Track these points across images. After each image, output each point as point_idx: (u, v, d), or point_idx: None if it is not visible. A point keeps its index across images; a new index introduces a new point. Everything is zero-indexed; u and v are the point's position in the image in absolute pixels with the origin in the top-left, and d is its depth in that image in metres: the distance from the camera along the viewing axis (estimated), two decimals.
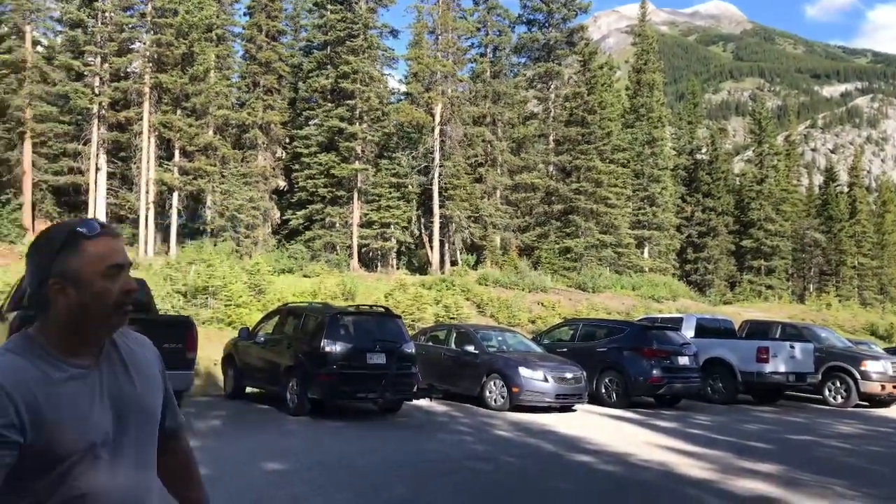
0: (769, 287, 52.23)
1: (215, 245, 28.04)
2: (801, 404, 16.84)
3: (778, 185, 54.56)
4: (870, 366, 16.40)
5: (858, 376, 16.35)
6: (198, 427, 9.34)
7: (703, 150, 57.12)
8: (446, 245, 35.74)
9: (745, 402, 16.11)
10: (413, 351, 11.10)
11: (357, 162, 33.34)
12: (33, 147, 29.24)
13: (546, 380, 12.28)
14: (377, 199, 33.63)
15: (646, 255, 42.36)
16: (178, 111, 31.38)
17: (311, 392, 10.36)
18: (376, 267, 34.91)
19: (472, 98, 37.57)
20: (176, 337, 8.50)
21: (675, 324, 16.73)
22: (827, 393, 16.78)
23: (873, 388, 16.27)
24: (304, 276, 28.35)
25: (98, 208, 30.29)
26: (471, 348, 13.22)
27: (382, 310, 11.88)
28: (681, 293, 37.29)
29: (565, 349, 14.72)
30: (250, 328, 12.69)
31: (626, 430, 10.85)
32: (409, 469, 7.34)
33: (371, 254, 35.21)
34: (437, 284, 26.38)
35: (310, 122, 35.24)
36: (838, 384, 16.72)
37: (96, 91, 29.39)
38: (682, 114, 58.32)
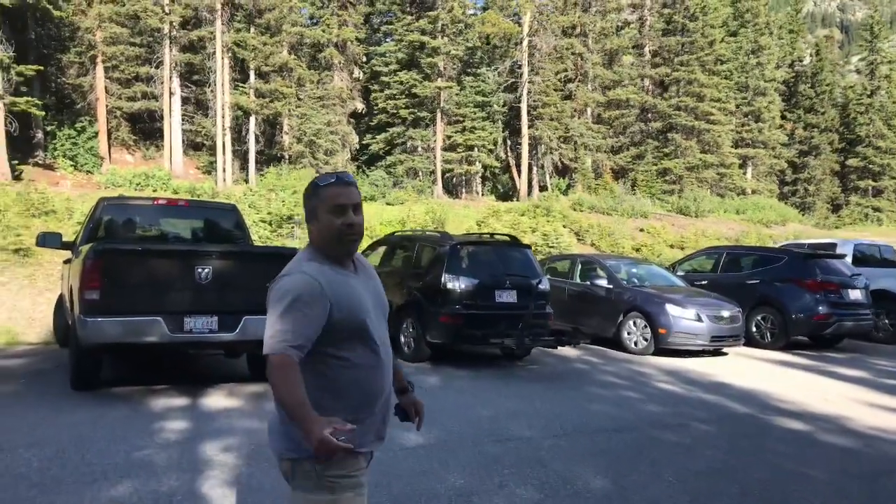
0: (876, 210, 48.20)
1: (293, 172, 26.65)
2: None
3: (890, 98, 49.66)
4: None
5: None
6: None
7: (806, 60, 52.32)
8: (534, 169, 33.53)
9: None
10: (548, 288, 9.31)
11: (440, 79, 31.18)
12: (105, 72, 28.06)
13: (699, 319, 10.35)
14: (461, 119, 31.52)
15: (748, 175, 39.13)
16: (252, 29, 29.63)
17: (430, 336, 8.75)
18: (460, 193, 33.12)
19: (562, 6, 34.46)
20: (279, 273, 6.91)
21: (828, 250, 14.41)
22: None
23: None
24: (388, 203, 26.83)
25: (174, 135, 29.23)
26: (602, 282, 11.33)
27: (508, 239, 10.09)
28: (790, 217, 34.31)
29: (705, 282, 12.70)
30: None
31: (810, 381, 8.91)
32: (583, 441, 5.65)
33: (455, 179, 33.38)
34: (531, 211, 24.40)
35: (388, 38, 33.12)
36: None
37: (166, 9, 27.82)
38: (781, 22, 53.26)
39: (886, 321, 13.25)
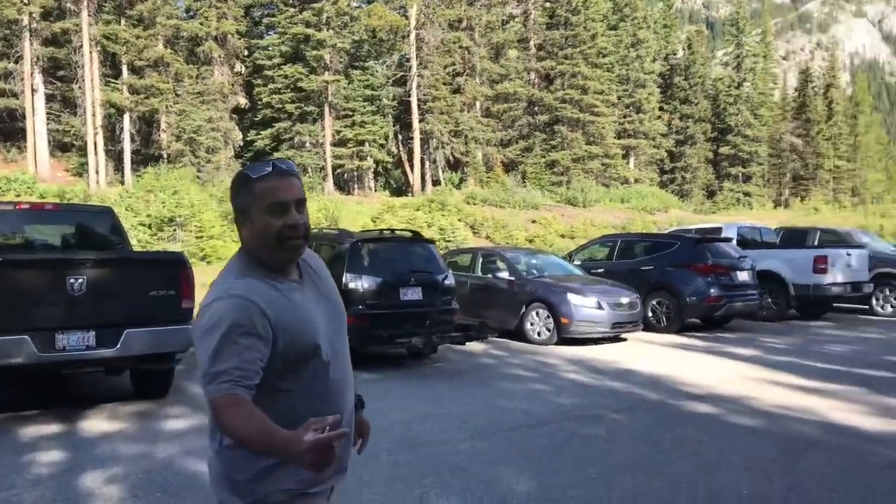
0: (746, 194, 51.24)
1: (173, 171, 25.24)
2: (848, 316, 15.42)
3: (756, 89, 52.88)
4: None
5: None
6: (196, 392, 7.27)
7: (679, 54, 54.86)
8: (427, 163, 33.37)
9: (791, 318, 14.64)
10: (453, 283, 9.07)
11: (326, 73, 30.44)
12: None
13: (600, 307, 10.40)
14: (350, 114, 30.93)
15: (631, 165, 40.55)
16: (123, 21, 27.84)
17: None
18: (352, 189, 32.51)
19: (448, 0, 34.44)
20: (165, 281, 6.28)
21: (715, 235, 14.96)
22: (875, 302, 15.35)
23: None
24: None
25: (38, 136, 27.08)
26: (504, 274, 11.22)
27: (411, 234, 9.76)
28: (671, 204, 35.80)
29: (602, 269, 12.84)
30: None
31: (709, 363, 9.11)
32: (500, 440, 5.43)
33: (346, 175, 32.73)
34: (427, 205, 24.23)
35: (270, 31, 32.05)
36: (887, 292, 15.28)
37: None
38: (657, 17, 55.49)
39: (770, 300, 13.86)
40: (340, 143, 31.10)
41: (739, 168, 51.18)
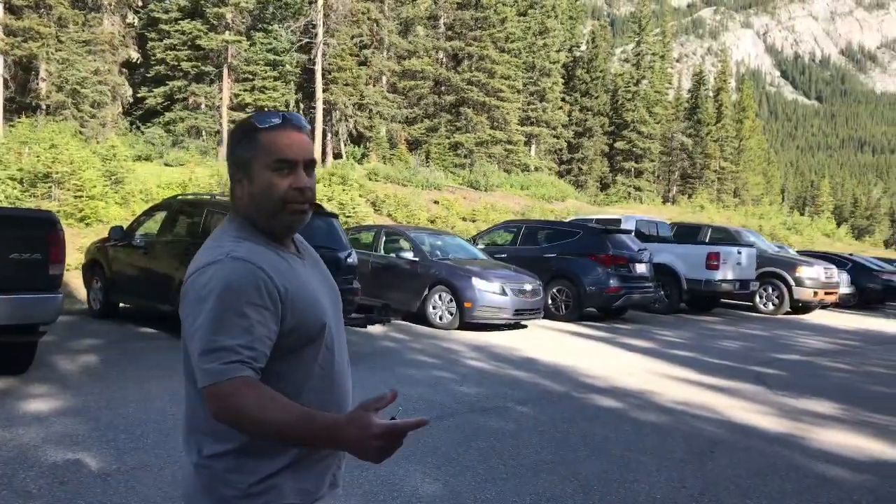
0: (638, 189, 52.96)
1: (52, 124, 23.27)
2: (734, 312, 16.05)
3: (652, 87, 54.57)
4: (804, 272, 15.73)
5: (792, 283, 15.67)
6: (65, 368, 6.51)
7: (583, 47, 55.82)
8: (329, 135, 32.40)
9: (682, 312, 15.08)
10: (356, 261, 8.62)
11: (227, 32, 28.84)
12: None
13: (504, 292, 10.24)
14: (251, 78, 29.49)
15: (532, 153, 40.98)
16: None
17: None
18: None
19: None
20: (30, 243, 5.51)
21: (615, 226, 15.15)
22: (758, 300, 16.06)
23: (806, 294, 15.65)
24: (166, 164, 24.46)
25: None
26: (408, 255, 10.87)
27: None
28: (568, 194, 36.41)
29: (505, 255, 12.72)
30: (124, 226, 9.65)
31: (609, 354, 9.13)
32: None
33: None
34: (327, 178, 23.47)
35: None
36: (770, 291, 16.01)
37: None
38: (563, 8, 56.19)
39: (663, 293, 14.19)
40: (239, 107, 29.65)
41: (633, 163, 52.77)
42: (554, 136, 42.90)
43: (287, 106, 31.06)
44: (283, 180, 1.48)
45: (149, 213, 9.82)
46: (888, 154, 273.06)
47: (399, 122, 34.55)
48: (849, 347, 11.37)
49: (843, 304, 18.28)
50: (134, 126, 28.92)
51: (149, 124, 28.79)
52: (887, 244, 76.36)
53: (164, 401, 5.58)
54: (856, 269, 19.21)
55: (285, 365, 1.46)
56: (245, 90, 29.56)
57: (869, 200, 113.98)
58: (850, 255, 21.76)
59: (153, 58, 29.69)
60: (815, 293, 15.65)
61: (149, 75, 30.27)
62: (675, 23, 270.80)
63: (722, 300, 16.03)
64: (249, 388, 1.35)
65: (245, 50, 29.50)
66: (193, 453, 1.49)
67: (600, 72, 53.00)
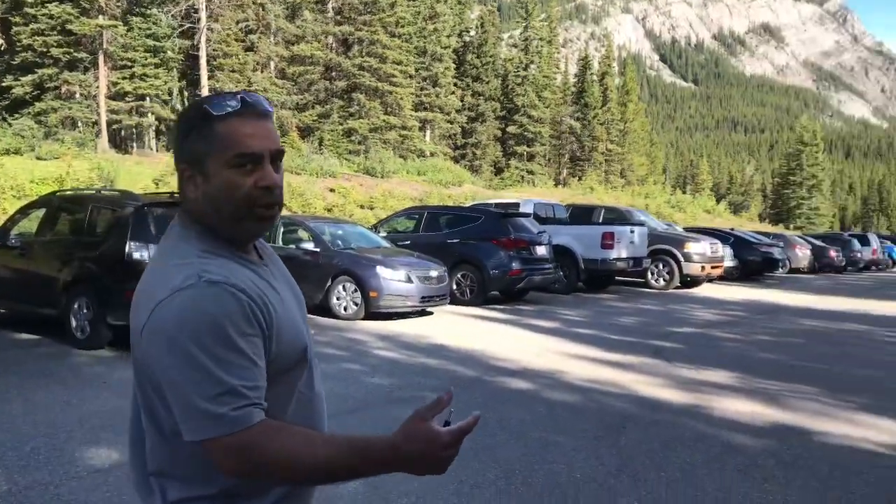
0: (531, 172, 54.09)
1: None
2: (628, 289, 16.64)
3: (541, 72, 55.75)
4: (692, 247, 16.49)
5: (682, 258, 16.40)
6: None
7: (473, 33, 56.28)
8: None
9: (580, 291, 15.48)
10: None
11: (101, 17, 27.18)
12: None
13: (409, 280, 10.16)
14: (130, 65, 28.00)
15: (427, 138, 41.02)
16: None
17: (113, 317, 7.24)
18: (131, 148, 29.60)
19: None
20: None
21: (514, 209, 15.35)
22: (650, 276, 16.71)
23: (695, 269, 16.42)
24: (39, 158, 22.89)
25: None
26: (309, 245, 10.60)
27: None
28: (465, 179, 36.68)
29: (408, 242, 12.64)
30: None
31: (516, 336, 9.23)
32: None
33: (124, 132, 29.72)
34: None
35: None
36: (661, 266, 16.69)
37: None
38: None
39: (562, 274, 14.51)
40: (117, 96, 28.10)
41: (525, 147, 53.81)
42: (448, 122, 43.09)
43: (170, 94, 29.70)
44: (246, 178, 1.23)
45: (24, 212, 9.10)
46: (758, 133, 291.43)
47: (290, 108, 33.69)
48: (737, 318, 12.01)
49: (727, 277, 19.30)
50: (0, 117, 26.88)
51: (17, 115, 26.83)
52: (761, 218, 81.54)
53: (54, 412, 5.18)
54: (737, 243, 20.32)
55: (269, 393, 1.23)
56: (124, 78, 28.05)
57: (743, 177, 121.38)
58: (732, 229, 23.01)
59: (19, 44, 27.65)
60: (703, 267, 16.45)
61: (14, 63, 28.17)
62: (560, 8, 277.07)
63: (617, 278, 16.58)
64: (274, 433, 1.16)
65: (122, 35, 27.96)
66: (157, 498, 1.28)
67: (490, 57, 53.65)
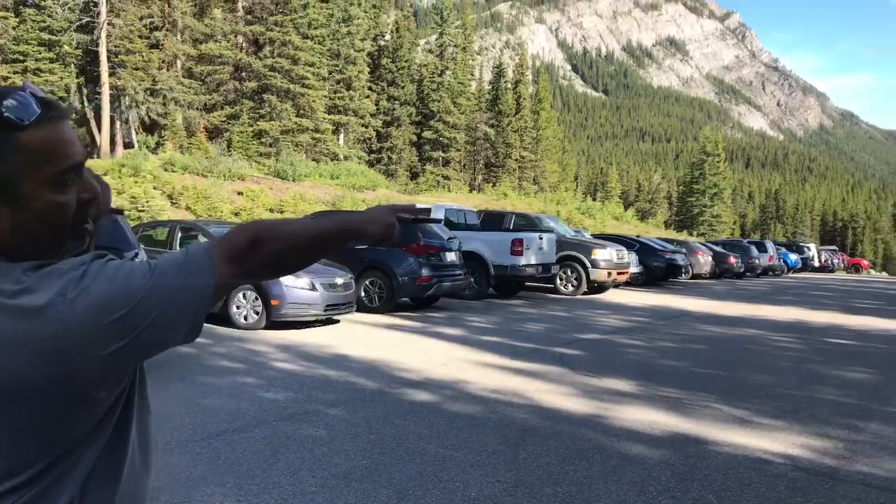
0: (446, 178, 54.28)
1: None
2: (538, 295, 16.78)
3: (456, 79, 56.06)
4: (599, 254, 16.77)
5: (589, 265, 16.66)
6: None
7: (388, 37, 56.03)
8: (118, 123, 29.84)
9: (490, 297, 15.51)
10: (145, 260, 7.82)
11: None
12: None
13: (313, 287, 9.87)
14: (22, 59, 26.40)
15: (341, 142, 40.48)
16: None
17: None
18: None
19: None
20: None
21: (424, 215, 15.21)
22: (559, 282, 16.91)
23: (601, 275, 16.71)
24: None
25: None
26: None
27: None
28: (379, 183, 36.37)
29: None
30: None
31: (422, 345, 9.08)
32: (202, 450, 4.60)
33: None
34: (116, 170, 21.59)
35: None
36: (569, 273, 16.92)
37: None
38: None
39: (472, 280, 14.48)
40: None
41: (440, 153, 53.95)
42: (362, 125, 42.69)
43: (68, 91, 28.20)
44: (71, 196, 1.03)
45: None
46: (664, 143, 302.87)
47: (197, 108, 32.59)
48: (641, 324, 12.24)
49: (633, 283, 19.77)
50: None
51: None
52: (667, 224, 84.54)
53: None
54: (643, 250, 20.87)
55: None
56: (15, 72, 26.42)
57: (650, 185, 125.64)
58: (638, 236, 23.63)
59: None
60: (609, 274, 16.76)
61: None
62: (475, 16, 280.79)
63: (527, 284, 16.70)
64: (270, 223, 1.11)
65: (14, 28, 26.34)
66: None
67: (405, 62, 53.55)
